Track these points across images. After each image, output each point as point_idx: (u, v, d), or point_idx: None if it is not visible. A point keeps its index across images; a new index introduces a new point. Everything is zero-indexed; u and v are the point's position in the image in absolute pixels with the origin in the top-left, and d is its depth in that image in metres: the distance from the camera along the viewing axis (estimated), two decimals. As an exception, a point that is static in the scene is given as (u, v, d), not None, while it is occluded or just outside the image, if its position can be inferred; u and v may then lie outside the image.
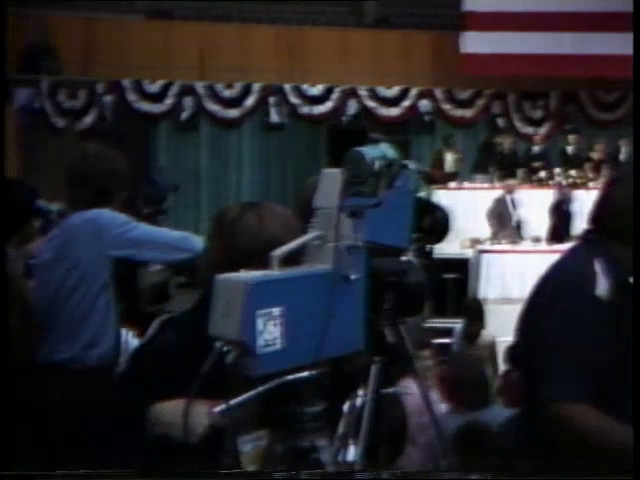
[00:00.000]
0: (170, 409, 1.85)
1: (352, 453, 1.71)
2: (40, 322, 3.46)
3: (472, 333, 7.83)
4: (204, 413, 1.75)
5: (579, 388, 2.28)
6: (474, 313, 8.07)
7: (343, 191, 1.57)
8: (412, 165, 1.70)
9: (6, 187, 3.61)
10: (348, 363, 1.70)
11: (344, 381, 1.72)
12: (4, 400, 2.85)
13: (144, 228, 3.45)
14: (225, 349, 1.50)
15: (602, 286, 2.33)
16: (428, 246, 1.89)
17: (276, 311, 1.50)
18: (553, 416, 2.30)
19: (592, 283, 2.33)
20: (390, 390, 1.81)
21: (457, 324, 8.14)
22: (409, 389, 1.89)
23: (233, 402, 1.60)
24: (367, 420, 1.72)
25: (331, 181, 1.66)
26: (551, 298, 2.40)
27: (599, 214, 2.51)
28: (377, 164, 1.57)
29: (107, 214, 3.39)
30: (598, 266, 2.36)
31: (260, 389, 1.58)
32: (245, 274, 1.52)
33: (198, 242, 3.17)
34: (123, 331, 3.74)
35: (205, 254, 2.15)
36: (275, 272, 1.54)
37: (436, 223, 1.86)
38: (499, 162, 13.24)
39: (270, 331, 1.49)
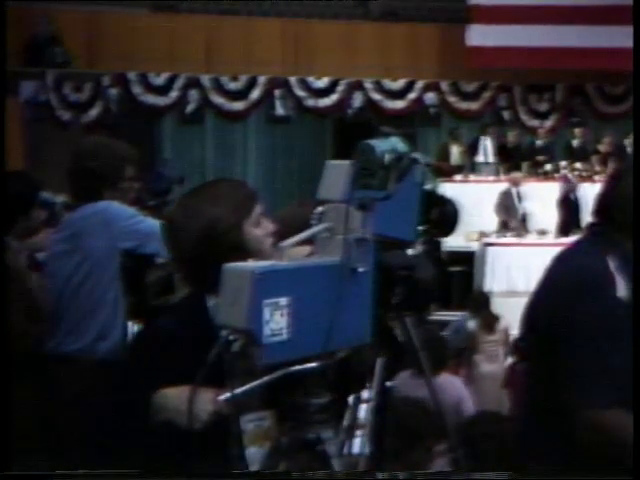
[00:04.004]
0: (175, 395, 1.86)
1: (357, 445, 1.71)
2: (45, 313, 3.47)
3: (486, 325, 7.85)
4: (209, 401, 1.76)
5: (612, 394, 2.23)
6: (480, 306, 8.07)
7: (352, 183, 1.57)
8: (422, 158, 1.69)
9: (6, 179, 3.63)
10: (354, 355, 1.70)
11: (350, 373, 1.72)
12: (3, 400, 2.86)
13: (152, 221, 3.47)
14: (231, 338, 1.50)
15: (621, 286, 2.29)
16: (436, 239, 1.88)
17: (283, 301, 1.49)
18: (589, 423, 2.25)
19: (612, 283, 2.29)
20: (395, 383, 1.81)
21: (455, 317, 8.13)
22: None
23: (238, 391, 1.60)
24: (372, 413, 1.72)
25: (337, 173, 1.66)
26: (572, 299, 2.33)
27: (604, 207, 2.48)
28: (387, 157, 1.57)
29: (116, 206, 3.42)
30: (612, 264, 2.32)
31: (265, 379, 1.58)
32: (253, 263, 1.53)
33: None
34: (130, 324, 3.74)
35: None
36: (283, 262, 1.54)
37: (445, 216, 1.85)
38: (504, 155, 13.23)
39: (277, 321, 1.49)
